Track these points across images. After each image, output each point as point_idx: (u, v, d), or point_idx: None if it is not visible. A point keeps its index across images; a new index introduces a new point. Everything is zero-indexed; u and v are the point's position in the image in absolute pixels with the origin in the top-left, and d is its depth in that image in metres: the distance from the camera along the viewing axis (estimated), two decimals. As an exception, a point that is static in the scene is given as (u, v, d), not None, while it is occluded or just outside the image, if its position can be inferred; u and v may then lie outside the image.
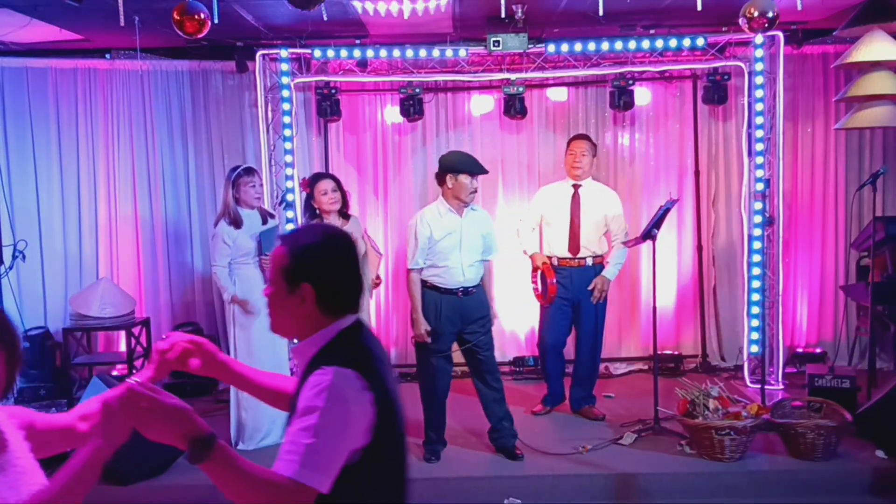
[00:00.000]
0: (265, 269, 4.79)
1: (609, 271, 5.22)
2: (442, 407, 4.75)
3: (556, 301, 5.14)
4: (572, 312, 5.28)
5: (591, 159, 5.26)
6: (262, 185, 5.04)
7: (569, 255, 5.19)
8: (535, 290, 5.29)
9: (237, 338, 4.89)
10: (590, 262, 5.21)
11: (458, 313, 4.61)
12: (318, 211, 4.89)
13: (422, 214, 4.70)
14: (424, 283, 4.64)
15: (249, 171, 4.90)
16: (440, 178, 4.63)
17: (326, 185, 4.88)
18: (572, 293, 5.20)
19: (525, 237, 5.37)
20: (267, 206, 5.82)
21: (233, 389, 4.93)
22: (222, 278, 4.82)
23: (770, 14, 4.45)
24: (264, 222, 4.96)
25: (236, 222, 4.82)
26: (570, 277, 5.18)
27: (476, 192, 4.63)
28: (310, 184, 4.96)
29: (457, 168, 4.54)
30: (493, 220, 5.04)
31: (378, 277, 5.25)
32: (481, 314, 4.67)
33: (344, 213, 4.97)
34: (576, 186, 5.28)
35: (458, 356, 4.91)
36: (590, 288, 5.18)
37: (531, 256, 5.30)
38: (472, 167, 4.56)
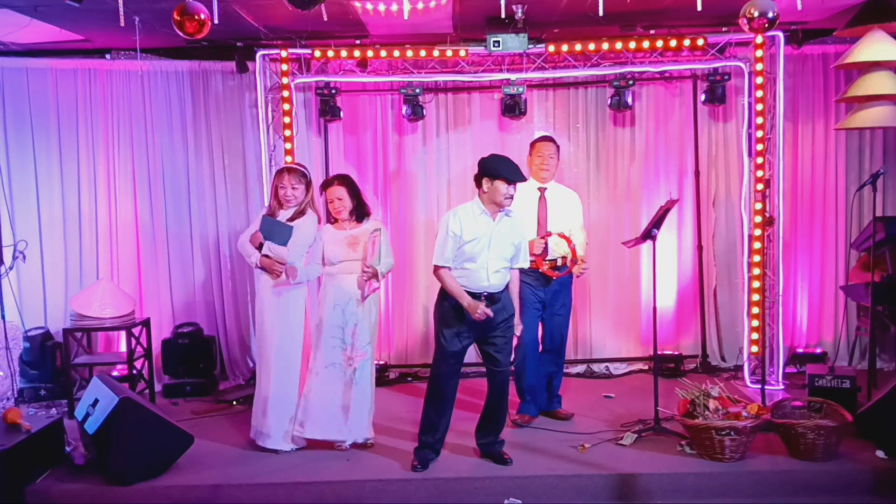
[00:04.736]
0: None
1: (580, 250, 5.19)
2: (447, 410, 4.55)
3: (526, 304, 5.09)
4: (542, 311, 5.24)
5: (556, 162, 5.25)
6: (294, 187, 4.80)
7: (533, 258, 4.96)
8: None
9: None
10: (559, 262, 5.18)
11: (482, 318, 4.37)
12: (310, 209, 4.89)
13: (456, 211, 4.50)
14: None
15: (280, 173, 4.88)
16: (478, 181, 4.45)
17: (332, 193, 4.83)
18: (543, 294, 5.17)
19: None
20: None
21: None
22: (244, 244, 4.85)
23: (770, 14, 4.45)
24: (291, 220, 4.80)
25: (271, 212, 4.87)
26: (538, 279, 5.12)
27: (512, 198, 4.41)
28: (322, 186, 4.97)
29: (496, 173, 4.37)
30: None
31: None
32: (503, 318, 4.46)
33: (359, 215, 4.87)
34: (542, 189, 5.19)
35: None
36: (574, 272, 5.16)
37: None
38: (511, 174, 4.37)
